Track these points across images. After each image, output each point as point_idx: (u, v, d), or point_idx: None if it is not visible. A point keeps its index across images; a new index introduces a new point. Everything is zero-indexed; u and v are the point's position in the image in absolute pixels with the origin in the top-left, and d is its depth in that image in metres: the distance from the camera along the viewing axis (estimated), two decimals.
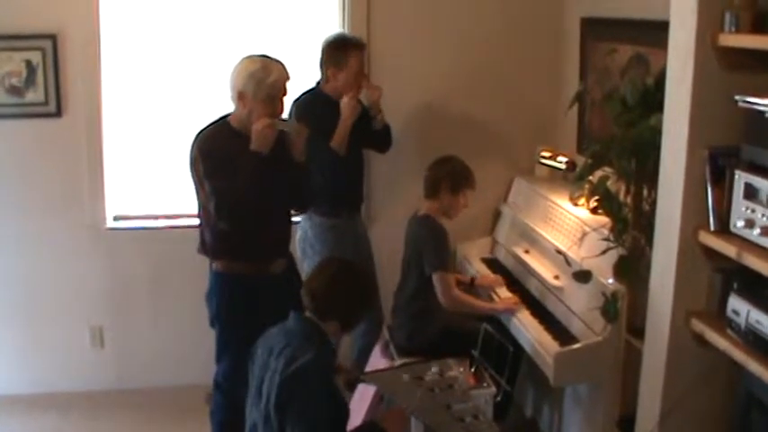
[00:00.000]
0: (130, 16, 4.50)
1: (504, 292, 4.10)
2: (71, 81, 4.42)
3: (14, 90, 4.35)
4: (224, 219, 3.48)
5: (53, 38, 4.33)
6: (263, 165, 3.45)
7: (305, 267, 4.27)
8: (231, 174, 3.42)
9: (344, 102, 4.12)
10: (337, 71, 4.19)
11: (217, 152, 3.49)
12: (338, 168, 4.21)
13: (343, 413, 2.93)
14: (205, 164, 3.47)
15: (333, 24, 4.63)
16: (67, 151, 4.49)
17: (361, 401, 3.71)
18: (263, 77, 3.48)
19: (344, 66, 4.17)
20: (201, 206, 3.61)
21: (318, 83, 4.29)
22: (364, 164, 4.49)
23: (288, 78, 3.57)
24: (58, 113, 4.43)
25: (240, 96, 3.50)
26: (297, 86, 3.95)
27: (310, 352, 2.81)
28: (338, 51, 4.19)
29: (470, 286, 4.23)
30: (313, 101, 4.24)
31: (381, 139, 4.40)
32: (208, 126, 3.62)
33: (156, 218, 4.76)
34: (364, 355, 4.32)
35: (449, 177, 3.96)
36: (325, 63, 4.22)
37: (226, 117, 3.63)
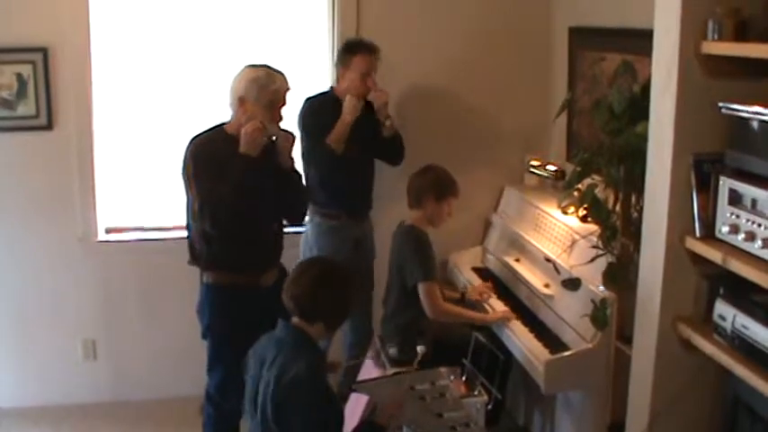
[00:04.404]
0: (121, 29, 4.51)
1: (496, 304, 4.09)
2: (62, 94, 4.42)
3: (5, 103, 4.36)
4: (207, 220, 3.51)
5: (44, 51, 4.34)
6: (251, 168, 3.49)
7: None
8: (219, 177, 3.46)
9: (346, 100, 4.19)
10: (344, 71, 4.28)
11: (207, 154, 3.54)
12: (338, 170, 4.25)
13: (339, 416, 2.94)
14: (194, 164, 3.52)
15: (322, 35, 4.67)
16: (58, 164, 4.49)
17: (353, 411, 3.71)
18: (266, 84, 3.55)
19: (350, 66, 4.24)
20: (193, 213, 3.62)
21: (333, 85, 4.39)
22: (373, 172, 4.50)
23: (288, 89, 3.65)
24: (49, 126, 4.44)
25: (241, 101, 3.56)
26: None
27: (301, 361, 2.81)
28: (345, 52, 4.28)
29: (461, 301, 4.22)
30: (321, 100, 4.34)
31: (390, 148, 4.40)
32: (203, 132, 3.67)
33: (148, 230, 4.76)
34: (355, 352, 4.33)
35: (433, 186, 3.97)
36: (336, 64, 4.34)
37: (222, 125, 3.67)
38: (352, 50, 4.25)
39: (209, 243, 3.60)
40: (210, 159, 3.52)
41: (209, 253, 3.63)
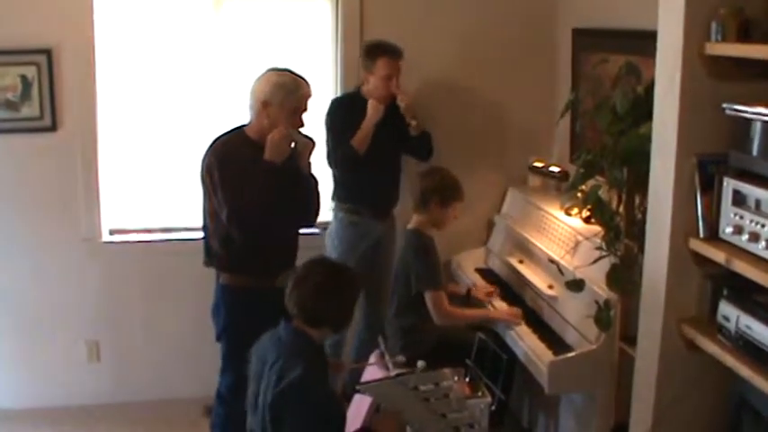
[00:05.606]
0: (125, 30, 4.52)
1: (500, 305, 4.10)
2: (66, 95, 4.43)
3: (9, 105, 4.36)
4: (235, 227, 3.50)
5: (48, 52, 4.34)
6: (276, 175, 3.49)
7: None
8: (245, 182, 3.45)
9: (369, 104, 4.24)
10: (368, 75, 4.33)
11: (232, 160, 3.52)
12: (361, 170, 4.31)
13: (340, 420, 2.93)
14: (220, 171, 3.49)
15: (326, 38, 4.68)
16: (63, 165, 4.50)
17: (356, 412, 3.70)
18: (292, 89, 3.55)
19: (373, 70, 4.28)
20: (210, 215, 3.62)
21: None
22: (398, 170, 4.55)
23: (311, 95, 3.64)
24: (53, 128, 4.44)
25: (264, 105, 3.54)
26: None
27: (299, 367, 2.79)
28: (368, 56, 4.32)
29: (466, 298, 4.24)
30: (348, 99, 4.43)
31: (418, 146, 4.46)
32: (223, 135, 3.66)
33: (152, 231, 4.76)
34: (364, 350, 4.33)
35: (438, 191, 3.96)
36: (362, 67, 4.36)
37: (241, 127, 3.66)
38: (374, 54, 4.29)
39: (229, 246, 3.59)
40: (236, 165, 3.51)
41: (229, 255, 3.62)
